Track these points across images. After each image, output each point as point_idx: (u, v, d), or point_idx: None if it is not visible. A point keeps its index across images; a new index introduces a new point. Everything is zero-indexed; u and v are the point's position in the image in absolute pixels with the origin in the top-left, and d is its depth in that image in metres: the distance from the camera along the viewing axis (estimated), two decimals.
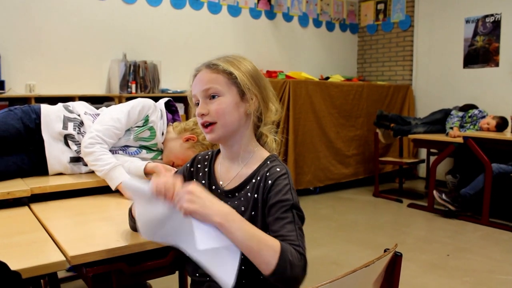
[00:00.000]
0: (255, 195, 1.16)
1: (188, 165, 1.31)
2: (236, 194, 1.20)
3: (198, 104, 1.20)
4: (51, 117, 1.90)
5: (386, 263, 1.03)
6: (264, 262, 0.97)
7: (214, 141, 1.21)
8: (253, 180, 1.18)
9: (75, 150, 1.88)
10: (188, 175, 1.29)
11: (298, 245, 1.01)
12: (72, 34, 4.18)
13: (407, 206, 4.52)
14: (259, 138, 1.27)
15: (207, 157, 1.31)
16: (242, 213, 1.16)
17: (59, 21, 4.10)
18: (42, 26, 4.02)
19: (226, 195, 1.21)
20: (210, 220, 0.98)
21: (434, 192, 4.09)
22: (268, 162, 1.19)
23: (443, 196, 4.01)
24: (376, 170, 5.06)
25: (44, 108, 1.94)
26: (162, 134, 2.02)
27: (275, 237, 1.03)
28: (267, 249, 0.97)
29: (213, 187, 1.25)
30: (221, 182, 1.23)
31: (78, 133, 1.90)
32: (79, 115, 1.95)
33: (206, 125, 1.18)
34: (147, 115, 1.96)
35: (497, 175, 3.83)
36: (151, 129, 1.98)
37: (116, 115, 1.87)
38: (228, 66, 1.17)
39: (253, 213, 1.16)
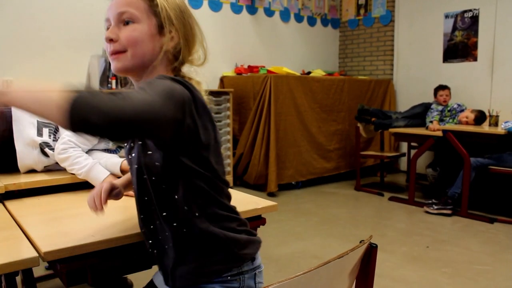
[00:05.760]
0: None
1: None
2: None
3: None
4: (23, 123, 1.82)
5: (361, 254, 1.04)
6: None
7: (120, 72, 1.07)
8: None
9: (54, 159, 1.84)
10: None
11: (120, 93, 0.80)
12: (50, 29, 4.11)
13: (388, 200, 4.57)
14: None
15: None
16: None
17: (37, 15, 4.02)
18: (19, 20, 3.93)
19: None
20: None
21: (425, 208, 4.10)
22: None
23: (435, 207, 4.03)
24: (357, 164, 5.10)
25: (15, 113, 1.84)
26: None
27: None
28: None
29: None
30: None
31: (54, 140, 1.85)
32: None
33: (114, 53, 1.04)
34: None
35: (476, 168, 3.89)
36: None
37: None
38: None
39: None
